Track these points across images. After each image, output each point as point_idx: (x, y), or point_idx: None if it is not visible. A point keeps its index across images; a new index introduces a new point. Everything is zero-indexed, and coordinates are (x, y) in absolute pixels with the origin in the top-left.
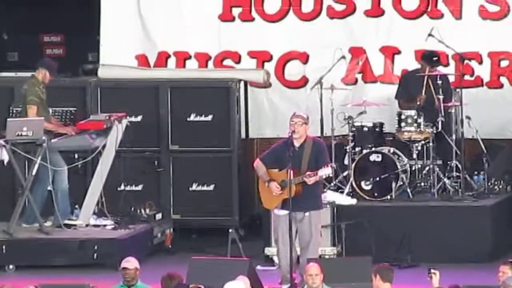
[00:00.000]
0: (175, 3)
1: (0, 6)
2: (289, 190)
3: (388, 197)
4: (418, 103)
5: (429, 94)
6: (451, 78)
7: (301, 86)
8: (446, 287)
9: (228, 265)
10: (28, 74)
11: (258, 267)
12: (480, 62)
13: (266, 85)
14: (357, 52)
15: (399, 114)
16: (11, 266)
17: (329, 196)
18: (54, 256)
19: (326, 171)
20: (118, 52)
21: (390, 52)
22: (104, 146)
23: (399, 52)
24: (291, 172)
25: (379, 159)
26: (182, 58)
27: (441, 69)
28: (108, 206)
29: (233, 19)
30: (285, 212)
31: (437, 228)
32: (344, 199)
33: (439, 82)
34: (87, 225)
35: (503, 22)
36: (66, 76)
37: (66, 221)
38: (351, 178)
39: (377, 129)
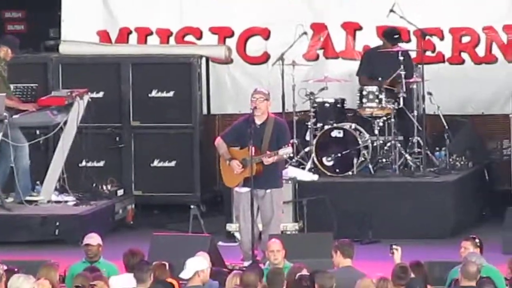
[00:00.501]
0: None
1: None
2: (251, 168)
3: (350, 173)
4: (380, 81)
5: (390, 70)
6: (413, 54)
7: (262, 62)
8: (407, 263)
9: (190, 241)
10: None
11: (220, 243)
12: (442, 38)
13: (228, 61)
14: (318, 28)
15: (361, 90)
16: None
17: (291, 172)
18: (16, 232)
19: (286, 151)
20: (80, 28)
21: (352, 28)
22: (65, 122)
23: (360, 28)
24: (253, 149)
25: (341, 135)
26: (144, 34)
27: (402, 45)
28: (69, 182)
29: None
30: (246, 189)
31: (399, 204)
32: (305, 175)
33: (401, 58)
34: (48, 201)
35: None
36: (28, 52)
37: (28, 197)
38: (313, 154)
39: (338, 105)
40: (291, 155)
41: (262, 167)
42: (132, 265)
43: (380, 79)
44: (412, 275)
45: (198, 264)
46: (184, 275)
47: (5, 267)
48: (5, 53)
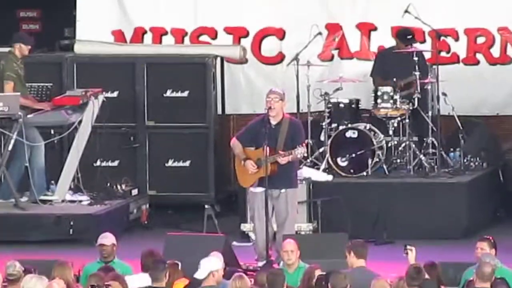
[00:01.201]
0: None
1: None
2: (265, 168)
3: (364, 173)
4: (395, 83)
5: (405, 72)
6: (427, 55)
7: (277, 62)
8: (422, 264)
9: (204, 241)
10: (5, 49)
11: (234, 243)
12: (457, 39)
13: (243, 61)
14: (333, 28)
15: (375, 91)
16: None
17: (305, 172)
18: (30, 232)
19: (300, 151)
20: (95, 28)
21: (367, 29)
22: (80, 122)
23: (375, 29)
24: (267, 149)
25: (355, 135)
26: (159, 34)
27: (417, 46)
28: (84, 181)
29: None
30: (261, 189)
31: (413, 204)
32: (320, 176)
33: (415, 58)
34: (63, 201)
35: None
36: (43, 52)
37: (42, 197)
38: (327, 155)
39: (353, 106)
40: (305, 154)
41: (276, 167)
42: (149, 265)
43: (394, 79)
44: (426, 276)
45: (212, 264)
46: (198, 275)
47: (23, 268)
48: (20, 50)
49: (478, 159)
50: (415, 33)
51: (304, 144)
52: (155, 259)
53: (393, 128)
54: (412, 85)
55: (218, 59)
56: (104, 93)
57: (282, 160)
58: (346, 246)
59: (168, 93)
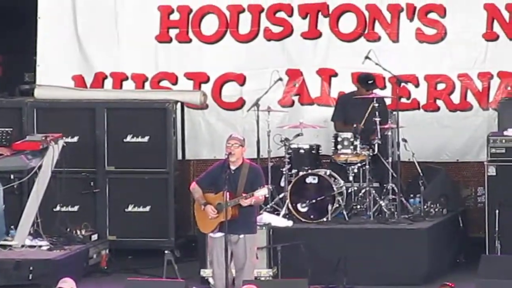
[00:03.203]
0: (112, 24)
1: None
2: (225, 213)
3: (324, 219)
4: (355, 126)
5: (366, 117)
6: (388, 101)
7: (237, 107)
8: None
9: (164, 286)
10: None
11: None
12: (417, 85)
13: (203, 106)
14: (294, 74)
15: (336, 137)
16: None
17: (265, 218)
18: None
19: (262, 192)
20: (55, 73)
21: (327, 75)
22: (40, 167)
23: (336, 75)
24: (227, 194)
25: (315, 181)
26: (119, 79)
27: (378, 92)
28: (43, 226)
29: (170, 40)
30: (220, 234)
31: (373, 250)
32: (280, 221)
33: (376, 104)
34: (22, 246)
35: (439, 46)
36: (3, 97)
37: (2, 242)
38: (287, 200)
39: (313, 151)
40: (267, 195)
41: (237, 211)
42: None
43: (354, 125)
44: None
45: None
46: None
47: None
48: None
49: (438, 205)
50: (376, 79)
51: (264, 186)
52: None
53: (353, 174)
54: (372, 129)
55: (179, 105)
56: (64, 138)
57: (245, 202)
58: None
59: (129, 138)
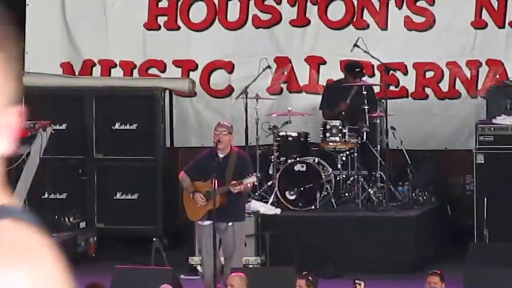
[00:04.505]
0: (101, 12)
1: None
2: (214, 201)
3: (313, 207)
4: (342, 108)
5: (354, 104)
6: (376, 89)
7: (226, 95)
8: None
9: (152, 274)
10: None
11: (182, 276)
12: (405, 73)
13: (191, 94)
14: (282, 61)
15: (324, 124)
16: None
17: (254, 205)
18: None
19: (251, 179)
20: (43, 60)
21: (316, 62)
22: (28, 154)
23: (324, 62)
24: (216, 182)
25: (304, 169)
26: (107, 66)
27: (366, 79)
28: (31, 214)
29: (158, 28)
30: (208, 222)
31: (362, 238)
32: (268, 209)
33: (364, 92)
34: None
35: (428, 33)
36: None
37: None
38: (276, 188)
39: (302, 139)
40: (256, 183)
41: (226, 199)
42: None
43: (343, 113)
44: None
45: None
46: None
47: None
48: None
49: (426, 193)
50: (364, 66)
51: (253, 173)
52: None
53: (341, 162)
54: (360, 117)
55: (167, 92)
56: (52, 125)
57: (235, 189)
58: (306, 282)
59: (117, 126)
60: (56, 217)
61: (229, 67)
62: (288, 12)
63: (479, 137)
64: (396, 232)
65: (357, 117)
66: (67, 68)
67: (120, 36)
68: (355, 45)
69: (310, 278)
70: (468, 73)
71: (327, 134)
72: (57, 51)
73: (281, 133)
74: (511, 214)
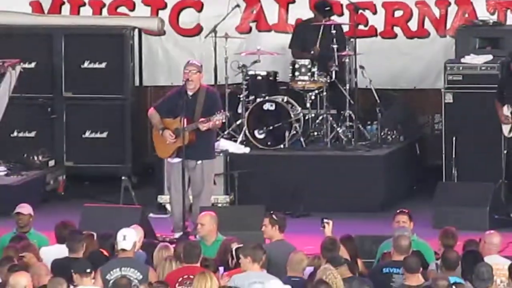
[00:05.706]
0: None
1: None
2: (183, 138)
3: (281, 146)
4: (312, 52)
5: (323, 44)
6: (345, 28)
7: (195, 34)
8: (338, 237)
9: (121, 212)
10: None
11: (151, 214)
12: (374, 12)
13: (160, 33)
14: (251, 0)
15: (293, 63)
16: None
17: (222, 144)
18: None
19: (219, 117)
20: None
21: (285, 1)
22: None
23: (293, 1)
24: (185, 120)
25: (273, 108)
26: (77, 5)
27: (335, 19)
28: (1, 152)
29: None
30: (178, 159)
31: (330, 177)
32: (237, 148)
33: (333, 31)
34: None
35: None
36: None
37: None
38: (245, 127)
39: (271, 78)
40: (224, 121)
41: (195, 136)
42: (63, 237)
43: (312, 51)
44: (342, 248)
45: (136, 235)
46: (124, 245)
47: None
48: None
49: (395, 132)
50: (333, 6)
51: (222, 111)
52: (71, 230)
53: (310, 101)
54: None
55: (136, 31)
56: (21, 64)
57: (203, 126)
58: (270, 220)
59: (86, 65)
60: (25, 155)
61: (198, 6)
62: None
63: (447, 76)
64: (365, 171)
65: (326, 59)
66: (36, 7)
67: None
68: None
69: (274, 216)
70: (437, 12)
71: (296, 73)
72: None
73: (250, 72)
74: (479, 153)
